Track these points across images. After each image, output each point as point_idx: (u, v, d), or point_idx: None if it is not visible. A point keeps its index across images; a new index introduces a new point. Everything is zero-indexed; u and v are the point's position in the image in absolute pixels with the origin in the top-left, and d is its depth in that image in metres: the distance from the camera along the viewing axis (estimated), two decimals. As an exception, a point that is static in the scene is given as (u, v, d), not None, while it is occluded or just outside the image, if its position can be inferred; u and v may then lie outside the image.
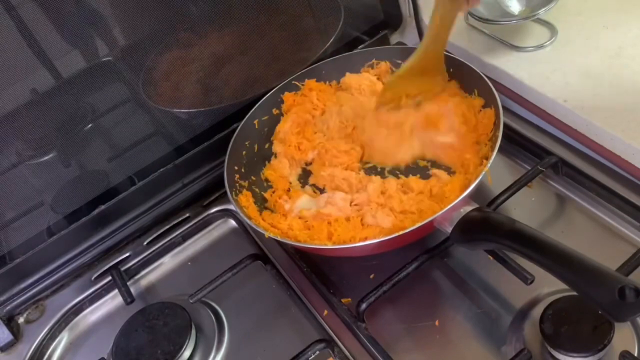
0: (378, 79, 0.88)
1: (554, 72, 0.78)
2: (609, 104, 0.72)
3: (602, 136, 0.71)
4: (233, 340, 0.72)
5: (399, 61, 0.86)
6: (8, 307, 0.82)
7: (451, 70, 0.81)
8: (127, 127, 0.86)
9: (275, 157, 0.85)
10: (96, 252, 0.85)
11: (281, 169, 0.83)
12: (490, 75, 0.79)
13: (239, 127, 0.83)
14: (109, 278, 0.81)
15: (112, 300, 0.82)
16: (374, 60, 0.88)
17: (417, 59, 0.75)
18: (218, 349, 0.71)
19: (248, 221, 0.72)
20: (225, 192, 0.76)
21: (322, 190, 0.79)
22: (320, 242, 0.70)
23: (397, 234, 0.63)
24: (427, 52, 0.75)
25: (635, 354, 0.56)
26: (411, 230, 0.63)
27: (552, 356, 0.57)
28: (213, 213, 0.86)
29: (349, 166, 0.80)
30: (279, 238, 0.70)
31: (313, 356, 0.64)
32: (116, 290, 0.80)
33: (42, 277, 0.83)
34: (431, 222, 0.63)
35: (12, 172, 0.79)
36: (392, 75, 0.78)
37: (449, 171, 0.75)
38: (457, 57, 0.81)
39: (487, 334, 0.63)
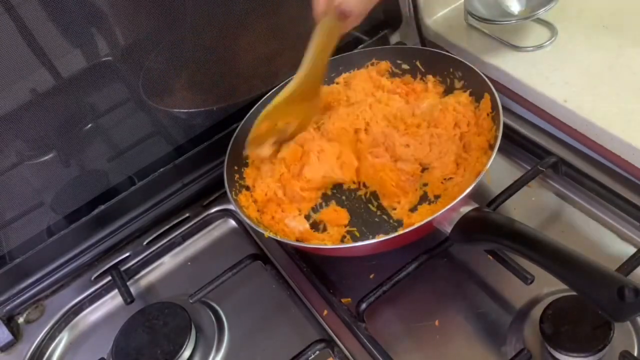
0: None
1: (554, 72, 0.78)
2: (609, 104, 0.72)
3: (602, 136, 0.71)
4: (233, 340, 0.72)
5: (399, 61, 0.87)
6: (8, 307, 0.82)
7: (451, 69, 0.81)
8: (127, 127, 0.86)
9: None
10: (96, 252, 0.85)
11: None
12: (490, 75, 0.79)
13: (239, 127, 0.83)
14: (109, 278, 0.81)
15: (112, 300, 0.81)
16: (374, 60, 0.88)
17: (296, 84, 0.72)
18: (218, 349, 0.71)
19: (248, 221, 0.72)
20: (225, 192, 0.76)
21: None
22: (319, 242, 0.70)
23: (397, 234, 0.63)
24: (307, 76, 0.72)
25: (635, 354, 0.56)
26: (411, 230, 0.63)
27: (552, 356, 0.57)
28: (213, 213, 0.86)
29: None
30: (278, 238, 0.70)
31: (313, 356, 0.64)
32: (116, 290, 0.80)
33: (42, 277, 0.83)
34: (430, 222, 0.63)
35: (12, 172, 0.79)
36: (269, 105, 0.75)
37: None
38: (456, 57, 0.81)
39: (487, 334, 0.63)
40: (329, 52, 0.72)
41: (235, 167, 0.81)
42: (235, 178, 0.80)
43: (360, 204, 0.77)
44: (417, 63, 0.85)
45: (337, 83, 0.89)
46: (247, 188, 0.80)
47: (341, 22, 0.65)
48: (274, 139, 0.78)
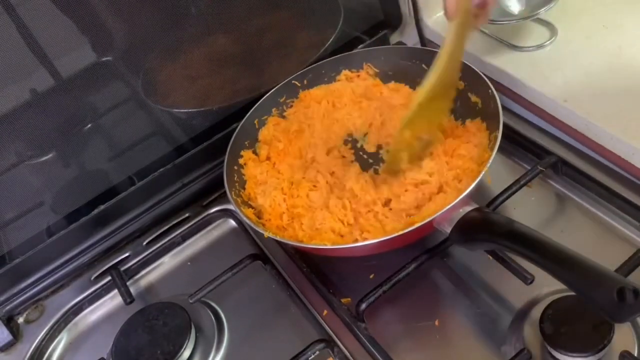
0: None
1: (554, 72, 0.78)
2: (609, 104, 0.72)
3: (602, 136, 0.71)
4: (233, 340, 0.72)
5: (400, 61, 0.87)
6: (8, 307, 0.82)
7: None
8: (127, 127, 0.86)
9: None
10: (96, 252, 0.85)
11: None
12: (490, 75, 0.79)
13: (238, 127, 0.83)
14: (109, 278, 0.81)
15: (112, 300, 0.81)
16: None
17: (435, 78, 0.69)
18: (218, 349, 0.71)
19: (248, 221, 0.72)
20: (225, 192, 0.76)
21: None
22: (319, 242, 0.70)
23: (397, 234, 0.63)
24: (440, 79, 0.70)
25: (635, 354, 0.56)
26: (411, 231, 0.63)
27: (552, 356, 0.57)
28: (213, 213, 0.86)
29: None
30: (278, 238, 0.70)
31: (313, 356, 0.64)
32: (116, 290, 0.80)
33: (42, 277, 0.83)
34: (430, 222, 0.63)
35: (12, 172, 0.79)
36: (411, 107, 0.72)
37: None
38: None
39: (487, 334, 0.63)
40: (460, 53, 0.70)
41: (235, 167, 0.81)
42: (235, 178, 0.80)
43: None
44: (417, 63, 0.85)
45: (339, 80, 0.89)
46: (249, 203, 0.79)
47: (473, 19, 0.63)
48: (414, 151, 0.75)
